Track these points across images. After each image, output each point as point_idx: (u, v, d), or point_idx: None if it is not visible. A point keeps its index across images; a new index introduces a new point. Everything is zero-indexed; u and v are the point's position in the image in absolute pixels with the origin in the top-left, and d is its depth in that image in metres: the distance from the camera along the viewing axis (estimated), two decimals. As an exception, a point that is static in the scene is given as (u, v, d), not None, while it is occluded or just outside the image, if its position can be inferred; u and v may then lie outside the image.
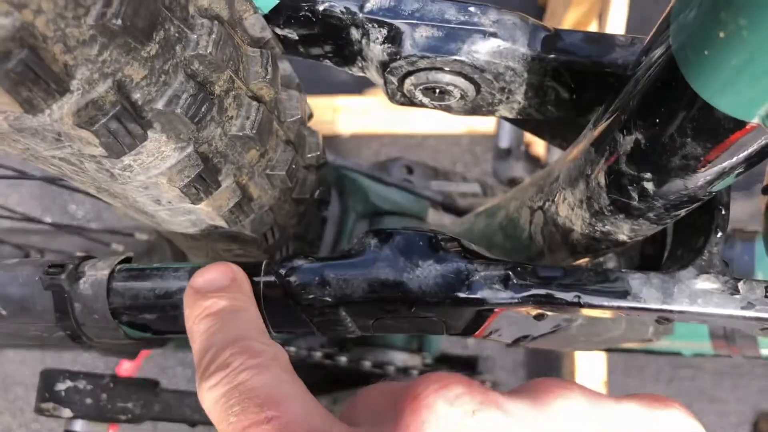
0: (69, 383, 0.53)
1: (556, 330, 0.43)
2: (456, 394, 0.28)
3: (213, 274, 0.35)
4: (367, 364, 0.66)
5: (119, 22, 0.25)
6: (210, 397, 0.30)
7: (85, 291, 0.38)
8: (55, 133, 0.29)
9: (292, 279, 0.36)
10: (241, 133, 0.36)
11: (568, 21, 1.37)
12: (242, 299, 0.35)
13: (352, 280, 0.36)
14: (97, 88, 0.27)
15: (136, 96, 0.29)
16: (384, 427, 0.29)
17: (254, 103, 0.37)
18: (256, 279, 0.37)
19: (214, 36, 0.32)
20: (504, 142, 1.41)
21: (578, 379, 1.25)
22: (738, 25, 0.21)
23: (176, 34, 0.30)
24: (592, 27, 1.37)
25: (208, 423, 0.69)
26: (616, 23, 1.31)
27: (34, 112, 0.27)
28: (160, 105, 0.31)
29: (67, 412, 0.53)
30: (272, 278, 0.37)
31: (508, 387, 0.33)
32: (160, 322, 0.38)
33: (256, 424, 0.28)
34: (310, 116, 0.46)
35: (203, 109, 0.32)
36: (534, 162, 1.36)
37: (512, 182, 1.33)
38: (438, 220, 0.70)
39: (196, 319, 0.34)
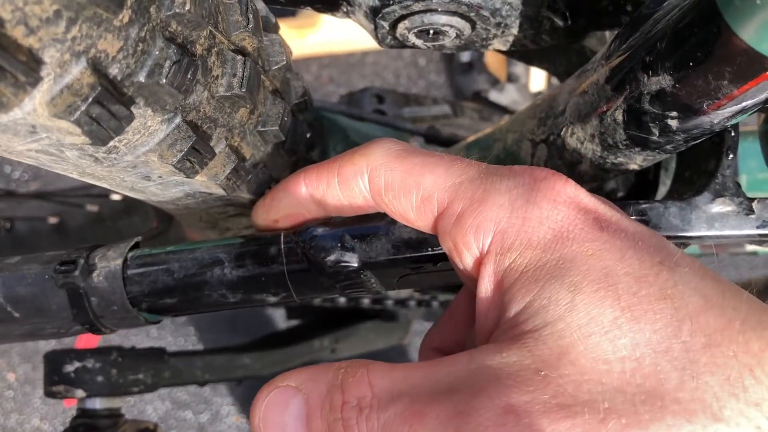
0: (77, 364, 0.52)
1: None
2: None
3: None
4: (365, 302, 0.66)
5: None
6: None
7: (100, 284, 0.36)
8: (29, 125, 0.26)
9: (314, 248, 0.36)
10: (229, 93, 0.34)
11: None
12: None
13: (375, 242, 0.35)
14: (70, 70, 0.24)
15: (114, 71, 0.26)
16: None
17: (239, 57, 0.34)
18: (275, 251, 0.36)
19: None
20: (465, 56, 1.39)
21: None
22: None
23: None
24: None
25: (216, 381, 0.70)
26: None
27: (6, 110, 0.24)
28: (141, 78, 0.27)
29: (79, 393, 0.52)
30: (293, 248, 0.36)
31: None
32: (181, 304, 0.37)
33: None
34: (276, 26, 0.43)
35: (189, 75, 0.29)
36: (492, 75, 1.35)
37: (477, 95, 1.32)
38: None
39: None
